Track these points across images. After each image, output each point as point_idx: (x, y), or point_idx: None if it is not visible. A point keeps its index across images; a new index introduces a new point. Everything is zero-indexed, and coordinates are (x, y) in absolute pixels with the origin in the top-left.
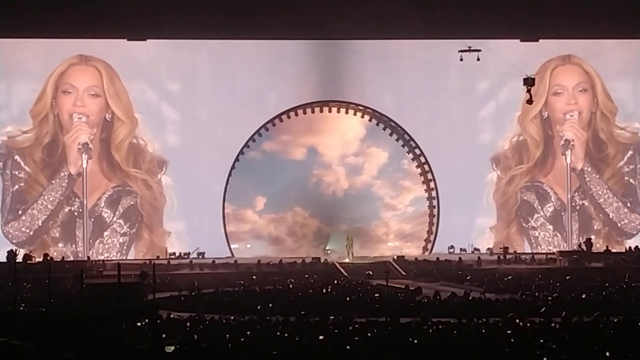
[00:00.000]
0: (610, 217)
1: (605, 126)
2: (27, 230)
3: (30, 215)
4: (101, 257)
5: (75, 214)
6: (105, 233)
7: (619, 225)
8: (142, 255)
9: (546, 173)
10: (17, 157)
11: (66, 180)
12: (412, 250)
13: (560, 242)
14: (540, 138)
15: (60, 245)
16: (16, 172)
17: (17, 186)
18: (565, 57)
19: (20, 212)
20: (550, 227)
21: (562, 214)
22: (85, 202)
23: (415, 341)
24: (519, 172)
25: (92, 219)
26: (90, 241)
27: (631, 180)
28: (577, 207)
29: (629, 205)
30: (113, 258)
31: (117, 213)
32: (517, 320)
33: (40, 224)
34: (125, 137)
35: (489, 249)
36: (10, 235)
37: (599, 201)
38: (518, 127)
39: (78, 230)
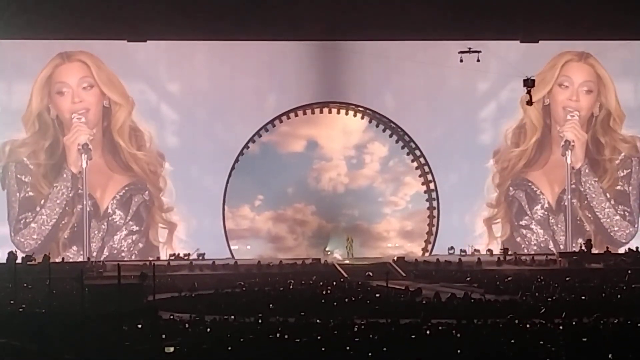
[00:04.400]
0: (602, 222)
1: (607, 132)
2: (38, 237)
3: (39, 222)
4: (114, 256)
5: (90, 214)
6: (118, 234)
7: (609, 232)
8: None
9: (542, 165)
10: (21, 161)
11: (70, 181)
12: (413, 248)
13: (547, 242)
14: (539, 124)
15: (73, 248)
16: (22, 177)
17: (23, 193)
18: (581, 54)
19: (29, 220)
20: (539, 227)
21: (551, 215)
22: (85, 202)
23: (415, 342)
24: (513, 155)
25: (106, 221)
26: (98, 243)
27: (624, 186)
28: (565, 208)
29: (620, 212)
30: (126, 256)
31: (130, 213)
32: (517, 322)
33: (50, 229)
34: (125, 119)
35: (489, 249)
36: (22, 245)
37: (591, 204)
38: (521, 112)
39: (85, 227)
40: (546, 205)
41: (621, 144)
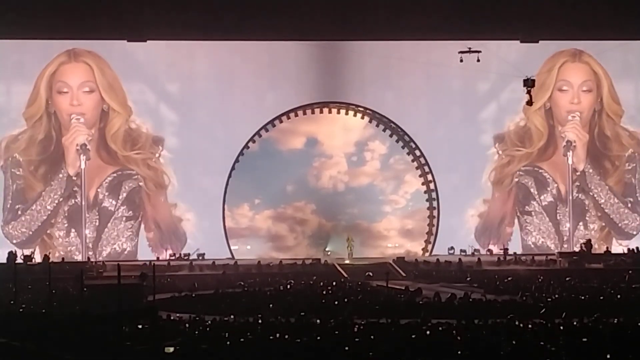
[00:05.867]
0: (611, 217)
1: (611, 126)
2: (27, 230)
3: (30, 215)
4: (111, 247)
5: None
6: (111, 222)
7: (619, 225)
8: (152, 235)
9: (547, 158)
10: (15, 155)
11: (65, 182)
12: (413, 248)
13: (552, 233)
14: (544, 129)
15: (65, 242)
16: (15, 170)
17: (16, 185)
18: (575, 53)
19: (19, 212)
20: (545, 216)
21: (558, 204)
22: (84, 203)
23: (415, 342)
24: (518, 155)
25: (97, 209)
26: (94, 233)
27: (632, 179)
28: (572, 200)
29: (629, 205)
30: (123, 246)
31: (120, 199)
32: (517, 322)
33: (40, 224)
34: (120, 126)
35: (488, 249)
36: (10, 236)
37: (599, 202)
38: (523, 116)
39: (83, 227)
40: (555, 194)
41: (627, 140)
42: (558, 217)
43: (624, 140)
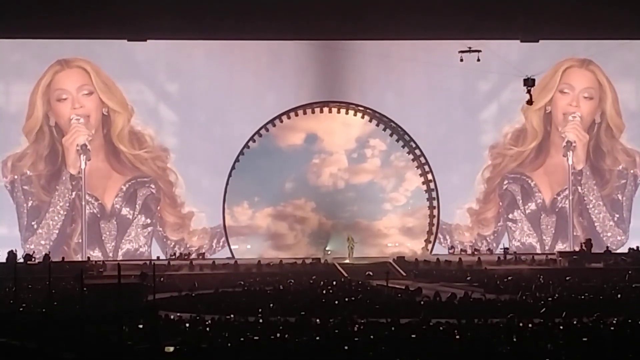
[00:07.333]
0: (595, 224)
1: (609, 140)
2: (46, 242)
3: (45, 227)
4: (129, 252)
5: (99, 215)
6: (130, 229)
7: (601, 235)
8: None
9: (536, 167)
10: (25, 171)
11: (68, 183)
12: (414, 247)
13: (534, 241)
14: (540, 130)
15: (86, 249)
16: (27, 188)
17: (30, 202)
18: (584, 61)
19: (35, 226)
20: (528, 224)
21: (543, 214)
22: (83, 203)
23: (416, 342)
24: (509, 153)
25: (115, 218)
26: (112, 243)
27: (619, 195)
28: (557, 210)
29: (615, 219)
30: (142, 250)
31: (137, 207)
32: (517, 321)
33: (57, 233)
34: (124, 125)
35: (488, 249)
36: (33, 252)
37: (588, 206)
38: (521, 115)
39: (83, 226)
40: (540, 203)
41: (622, 155)
42: (542, 227)
43: (619, 156)
